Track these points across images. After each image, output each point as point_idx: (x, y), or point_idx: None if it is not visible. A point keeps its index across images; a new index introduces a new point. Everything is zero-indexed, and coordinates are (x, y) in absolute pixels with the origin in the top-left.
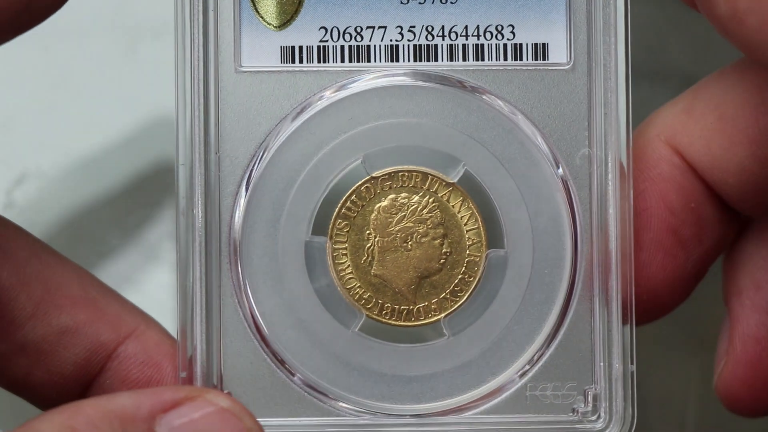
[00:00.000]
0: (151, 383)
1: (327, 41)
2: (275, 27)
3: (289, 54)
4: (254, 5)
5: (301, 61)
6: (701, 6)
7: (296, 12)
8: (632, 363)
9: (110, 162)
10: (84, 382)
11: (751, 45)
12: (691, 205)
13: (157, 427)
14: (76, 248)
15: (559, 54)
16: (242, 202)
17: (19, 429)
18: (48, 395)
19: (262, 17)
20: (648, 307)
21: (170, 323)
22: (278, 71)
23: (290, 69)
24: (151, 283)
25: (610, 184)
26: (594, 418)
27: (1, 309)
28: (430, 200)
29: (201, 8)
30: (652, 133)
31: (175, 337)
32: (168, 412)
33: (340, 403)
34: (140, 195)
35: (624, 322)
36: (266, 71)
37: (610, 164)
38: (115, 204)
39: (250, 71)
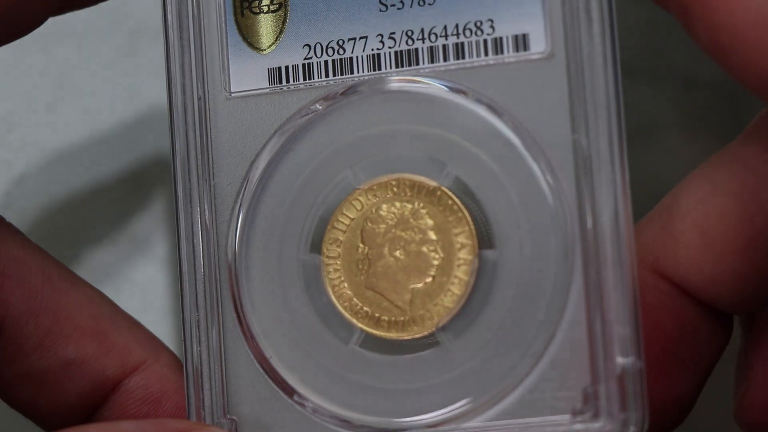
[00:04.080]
0: None
1: (311, 58)
2: (262, 51)
3: (276, 75)
4: (241, 32)
5: (288, 81)
6: (686, 29)
7: (281, 33)
8: (639, 359)
9: (110, 162)
10: (88, 413)
11: (738, 79)
12: (687, 327)
13: None
14: (76, 249)
15: (539, 43)
16: (237, 227)
17: None
18: (53, 423)
19: (249, 42)
20: (659, 426)
21: (164, 319)
22: (267, 93)
23: (278, 90)
24: (152, 285)
25: (599, 170)
26: (594, 418)
27: (10, 336)
28: (418, 207)
29: (190, 37)
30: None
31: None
32: None
33: (345, 422)
34: (140, 194)
35: (630, 313)
36: (256, 95)
37: (599, 151)
38: (114, 203)
39: (240, 96)
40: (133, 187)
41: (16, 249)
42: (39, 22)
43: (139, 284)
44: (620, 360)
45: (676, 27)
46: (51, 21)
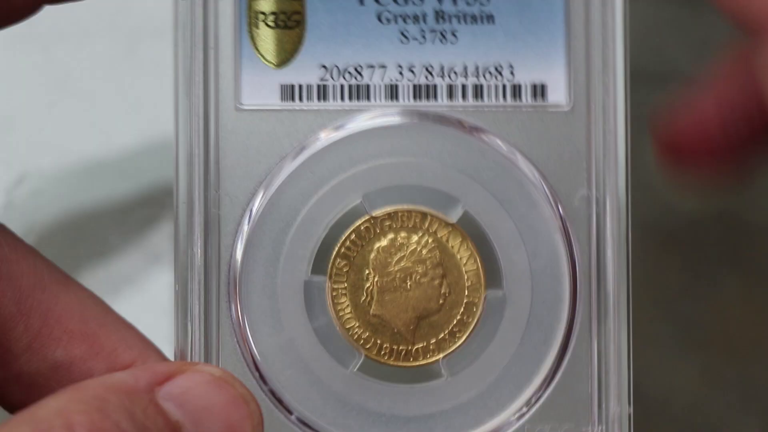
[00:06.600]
0: None
1: (327, 80)
2: (275, 65)
3: (289, 92)
4: (254, 44)
5: (301, 100)
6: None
7: (296, 51)
8: (630, 405)
9: (111, 162)
10: None
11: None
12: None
13: (158, 398)
14: (76, 249)
15: (558, 95)
16: (242, 240)
17: (18, 416)
18: None
19: (262, 55)
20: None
21: (171, 325)
22: (278, 110)
23: (290, 107)
24: (151, 284)
25: (608, 226)
26: None
27: (0, 338)
28: (429, 240)
29: (202, 46)
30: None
31: None
32: (164, 384)
33: None
34: (141, 195)
35: (621, 364)
36: (266, 110)
37: (608, 206)
38: (115, 204)
39: (251, 109)
40: (136, 185)
41: (9, 251)
42: (33, 9)
43: (140, 284)
44: (617, 406)
45: (676, 27)
46: (51, 21)
